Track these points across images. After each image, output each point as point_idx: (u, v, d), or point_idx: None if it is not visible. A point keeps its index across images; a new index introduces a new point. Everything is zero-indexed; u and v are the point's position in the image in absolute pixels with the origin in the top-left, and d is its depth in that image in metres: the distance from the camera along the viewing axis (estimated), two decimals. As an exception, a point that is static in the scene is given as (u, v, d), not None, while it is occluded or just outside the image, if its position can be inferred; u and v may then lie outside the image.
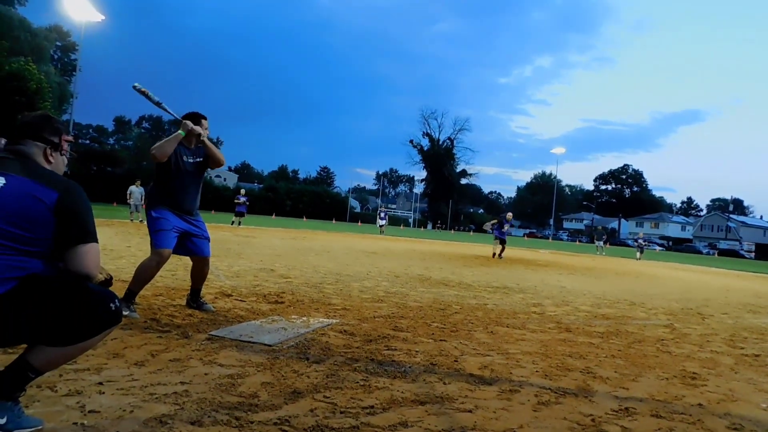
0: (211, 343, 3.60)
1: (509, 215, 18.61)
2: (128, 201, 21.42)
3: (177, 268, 7.34)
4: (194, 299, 4.74)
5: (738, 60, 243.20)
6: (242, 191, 25.56)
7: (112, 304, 2.04)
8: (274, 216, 52.56)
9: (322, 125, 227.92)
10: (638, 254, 28.82)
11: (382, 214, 36.78)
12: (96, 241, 2.13)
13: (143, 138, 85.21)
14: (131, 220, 20.38)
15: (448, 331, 4.67)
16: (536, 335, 4.85)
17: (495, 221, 18.04)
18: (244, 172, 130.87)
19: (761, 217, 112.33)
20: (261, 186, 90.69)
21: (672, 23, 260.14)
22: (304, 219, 56.17)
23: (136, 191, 21.20)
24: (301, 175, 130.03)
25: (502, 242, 17.63)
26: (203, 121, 4.56)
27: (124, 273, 6.36)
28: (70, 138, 2.30)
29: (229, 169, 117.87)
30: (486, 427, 2.51)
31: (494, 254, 17.37)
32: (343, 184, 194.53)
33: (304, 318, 4.70)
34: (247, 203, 24.41)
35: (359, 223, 47.37)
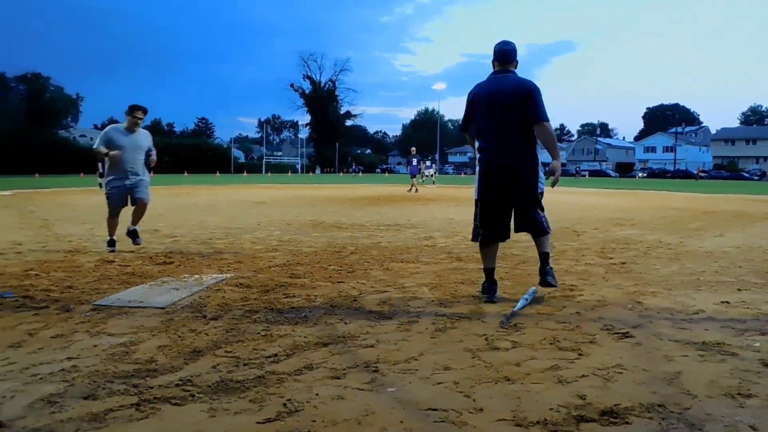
0: (97, 313, 3.39)
1: (413, 150, 23.58)
2: None
3: (48, 240, 6.78)
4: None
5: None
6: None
7: None
8: (151, 174, 49.47)
9: (197, 75, 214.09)
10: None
11: (428, 164, 34.09)
12: None
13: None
14: None
15: (345, 273, 4.73)
16: (429, 267, 5.04)
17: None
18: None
19: (623, 138, 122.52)
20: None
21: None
22: (185, 174, 53.48)
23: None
24: (178, 129, 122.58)
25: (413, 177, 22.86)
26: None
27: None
28: None
29: (95, 128, 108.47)
30: (388, 358, 2.60)
31: (415, 189, 21.69)
32: (224, 134, 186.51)
33: (196, 276, 4.54)
34: None
35: (245, 174, 45.95)
